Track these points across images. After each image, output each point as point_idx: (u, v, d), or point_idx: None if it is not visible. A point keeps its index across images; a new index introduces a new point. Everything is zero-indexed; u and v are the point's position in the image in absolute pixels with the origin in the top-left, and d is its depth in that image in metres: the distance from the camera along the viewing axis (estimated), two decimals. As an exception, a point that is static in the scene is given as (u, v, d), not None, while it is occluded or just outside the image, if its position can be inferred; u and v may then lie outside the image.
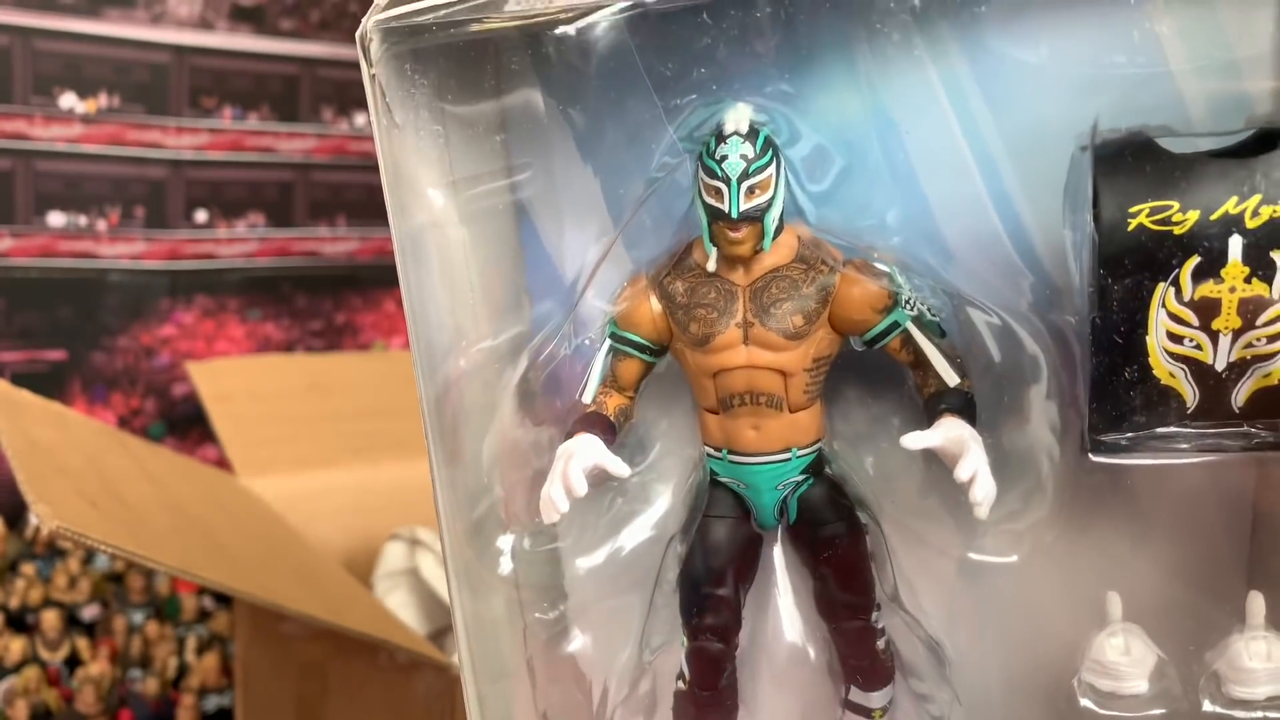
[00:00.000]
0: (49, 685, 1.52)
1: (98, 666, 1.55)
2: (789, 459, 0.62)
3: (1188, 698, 0.60)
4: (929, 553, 0.64)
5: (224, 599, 1.67)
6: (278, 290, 2.16)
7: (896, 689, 0.65)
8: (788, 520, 0.63)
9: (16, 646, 1.54)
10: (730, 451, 0.63)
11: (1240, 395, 0.55)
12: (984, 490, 0.57)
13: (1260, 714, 0.58)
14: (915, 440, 0.58)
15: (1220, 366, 0.55)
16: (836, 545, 0.62)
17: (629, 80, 0.61)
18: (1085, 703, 0.61)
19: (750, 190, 0.58)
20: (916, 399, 0.61)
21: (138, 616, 1.67)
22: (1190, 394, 0.55)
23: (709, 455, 0.64)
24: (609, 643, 0.68)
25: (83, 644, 1.60)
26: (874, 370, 0.63)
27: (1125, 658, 0.60)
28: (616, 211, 0.64)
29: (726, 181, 0.58)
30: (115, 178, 1.99)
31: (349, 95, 2.12)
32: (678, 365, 0.64)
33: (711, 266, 0.60)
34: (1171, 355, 0.55)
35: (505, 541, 0.66)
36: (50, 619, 1.58)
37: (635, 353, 0.63)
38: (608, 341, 0.63)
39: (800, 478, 0.62)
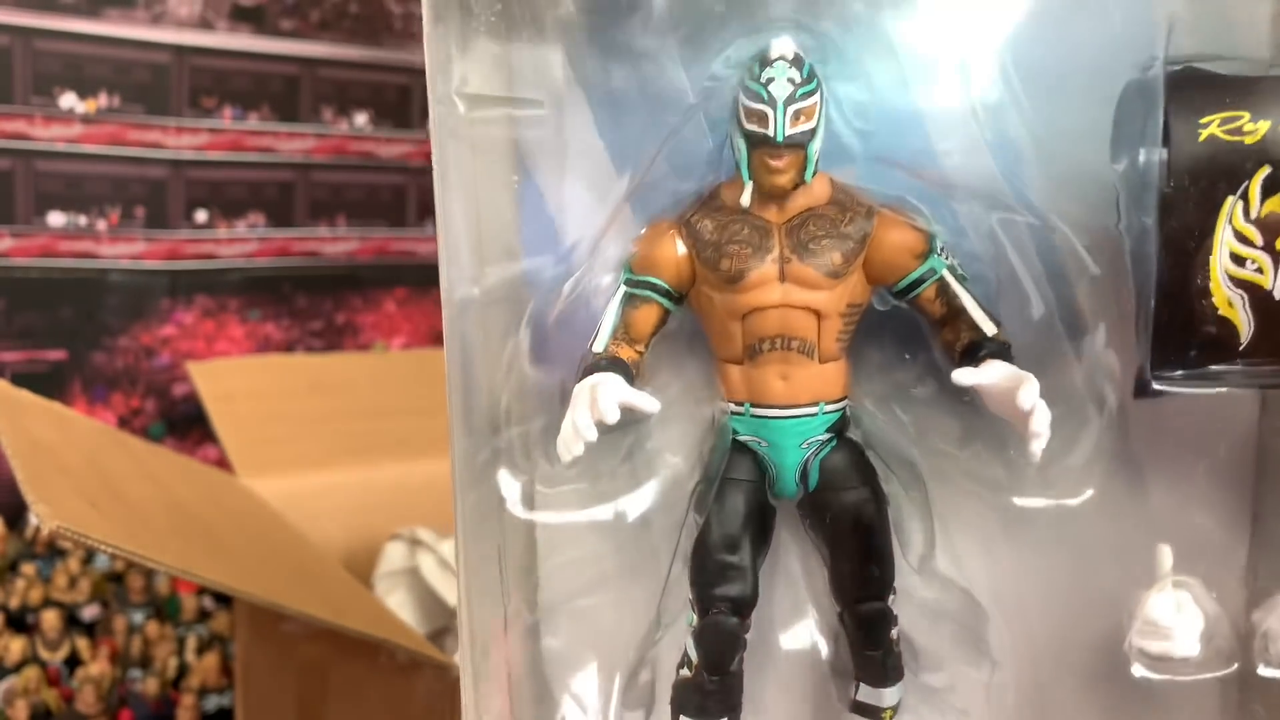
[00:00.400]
0: (49, 685, 1.52)
1: (98, 666, 1.55)
2: (815, 414, 0.60)
3: (1241, 658, 0.59)
4: (972, 505, 0.62)
5: (224, 599, 1.67)
6: (278, 290, 2.16)
7: (906, 691, 0.63)
8: (807, 488, 0.61)
9: (16, 646, 1.53)
10: (754, 405, 0.60)
11: None
12: (1044, 420, 0.56)
13: None
14: (967, 376, 0.57)
15: (1279, 294, 0.54)
16: (860, 514, 0.60)
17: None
18: (1138, 669, 0.60)
19: (796, 115, 0.57)
20: (947, 356, 0.60)
21: (138, 616, 1.67)
22: (1245, 325, 0.55)
23: (730, 412, 0.61)
24: (606, 628, 0.65)
25: (83, 644, 1.59)
26: (902, 330, 0.62)
27: (1178, 616, 0.58)
28: (624, 159, 0.62)
29: (772, 104, 0.56)
30: (115, 178, 1.99)
31: (349, 95, 2.12)
32: (689, 325, 0.62)
33: (745, 201, 0.58)
34: (1233, 280, 0.54)
35: (512, 487, 0.63)
36: (50, 619, 1.58)
37: (654, 297, 0.60)
38: (622, 288, 0.61)
39: (825, 436, 0.60)
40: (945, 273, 0.59)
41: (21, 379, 1.73)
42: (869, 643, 0.62)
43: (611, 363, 0.60)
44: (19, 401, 1.21)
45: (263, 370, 1.95)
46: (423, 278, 2.27)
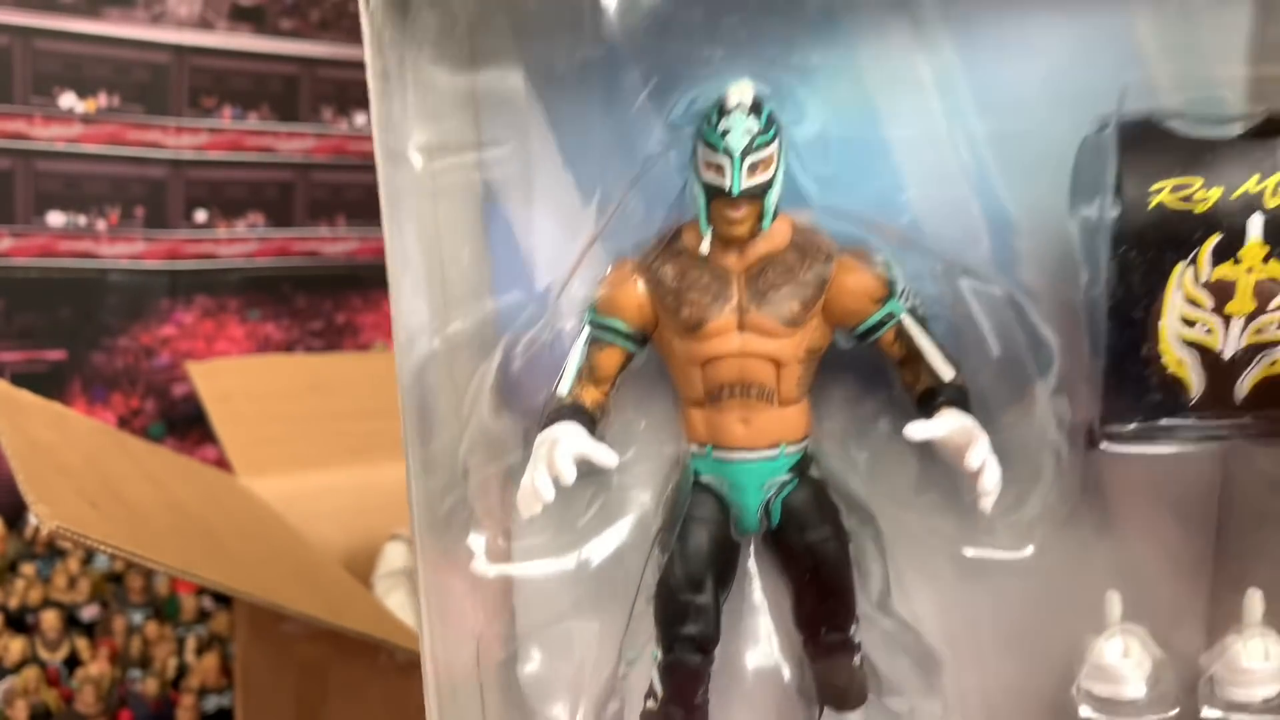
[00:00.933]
0: (49, 685, 1.52)
1: (97, 667, 1.55)
2: (777, 456, 0.60)
3: (1186, 701, 0.60)
4: (925, 551, 0.63)
5: (224, 599, 1.67)
6: (278, 290, 2.15)
7: (869, 711, 0.64)
8: (769, 525, 0.62)
9: (16, 647, 1.53)
10: (716, 447, 0.61)
11: (1245, 384, 0.56)
12: (993, 479, 0.57)
13: (1259, 716, 0.58)
14: (919, 430, 0.57)
15: (1228, 354, 0.55)
16: (821, 551, 0.61)
17: (619, 52, 0.59)
18: (1084, 711, 0.60)
19: (753, 167, 0.56)
20: (906, 397, 0.60)
21: (137, 617, 1.67)
22: (1195, 383, 0.56)
23: (692, 454, 0.61)
24: (577, 658, 0.66)
25: (82, 644, 1.59)
26: (862, 370, 0.62)
27: (1125, 660, 0.59)
28: (592, 197, 0.62)
29: (729, 156, 0.55)
30: (115, 178, 1.99)
31: (349, 95, 2.12)
32: (655, 362, 0.62)
33: (705, 249, 0.58)
34: (1183, 341, 0.55)
35: (477, 541, 0.63)
36: (50, 619, 1.58)
37: (617, 340, 0.60)
38: (587, 329, 0.61)
39: (786, 477, 0.61)
40: (904, 317, 0.59)
41: (21, 379, 1.73)
42: (832, 671, 0.63)
43: (574, 409, 0.60)
44: (18, 401, 1.20)
45: (262, 370, 1.95)
46: (423, 278, 2.27)
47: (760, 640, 0.65)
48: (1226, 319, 0.54)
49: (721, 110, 0.56)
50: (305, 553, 1.41)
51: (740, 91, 0.56)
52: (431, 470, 0.63)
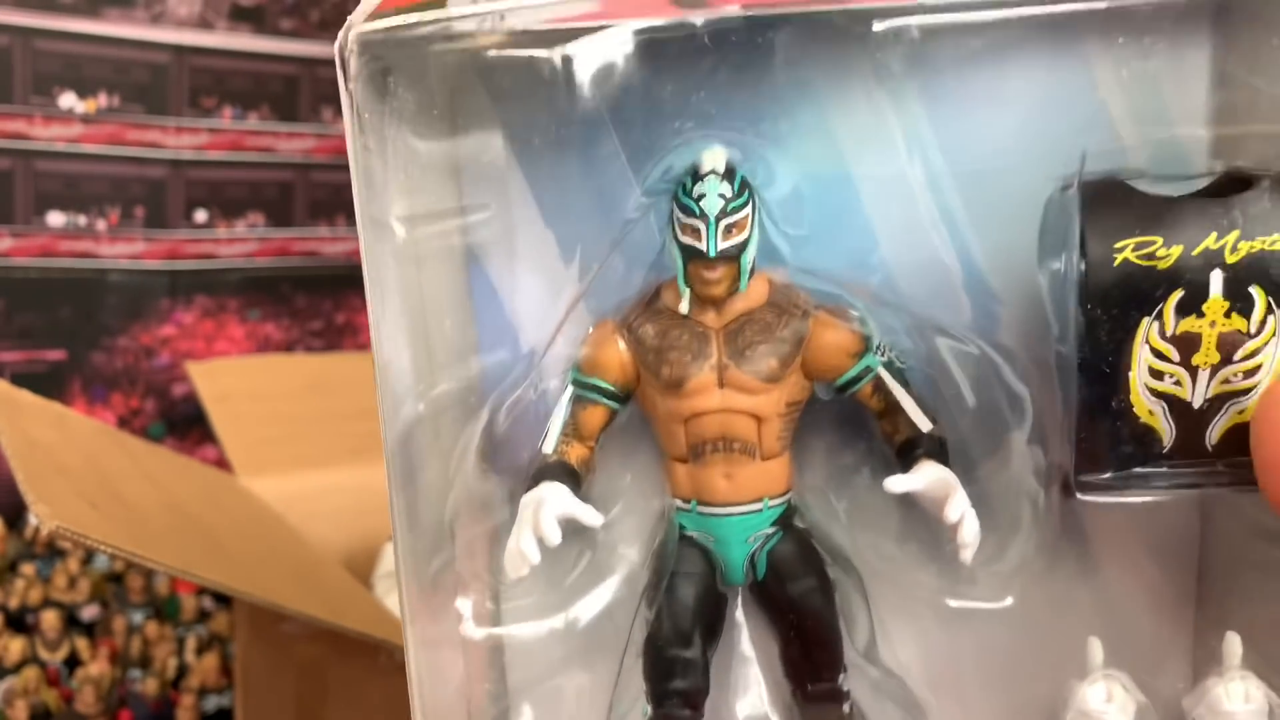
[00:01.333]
0: (49, 685, 1.52)
1: (97, 666, 1.55)
2: (761, 509, 0.61)
3: None
4: (908, 601, 0.64)
5: (224, 599, 1.67)
6: (278, 290, 2.16)
7: None
8: (755, 577, 0.62)
9: (16, 646, 1.53)
10: (700, 503, 0.62)
11: (1215, 432, 0.57)
12: (972, 532, 0.58)
13: None
14: (898, 484, 0.58)
15: (1198, 404, 0.56)
16: (807, 603, 0.61)
17: (595, 122, 0.60)
18: None
19: (728, 229, 0.57)
20: (886, 448, 0.61)
21: (137, 616, 1.67)
22: (1167, 432, 0.57)
23: (677, 508, 0.62)
24: (568, 714, 0.66)
25: (82, 644, 1.60)
26: (843, 420, 0.63)
27: (1108, 705, 0.60)
28: (574, 257, 0.63)
29: (704, 220, 0.57)
30: (115, 178, 1.99)
31: (349, 95, 2.12)
32: (640, 416, 0.63)
33: (684, 308, 0.59)
34: (1152, 392, 0.56)
35: (465, 604, 0.64)
36: (50, 619, 1.58)
37: (600, 399, 0.62)
38: (570, 389, 0.62)
39: (771, 530, 0.62)
40: (881, 370, 0.60)
41: (21, 379, 1.73)
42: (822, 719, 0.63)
43: (559, 468, 0.61)
44: (18, 401, 1.21)
45: (262, 370, 1.95)
46: (422, 278, 2.27)
47: (749, 690, 0.65)
48: (1194, 370, 0.56)
49: (695, 176, 0.58)
50: (305, 553, 1.41)
51: (713, 158, 0.58)
52: (418, 532, 0.64)
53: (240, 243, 2.11)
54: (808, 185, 0.61)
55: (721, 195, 0.57)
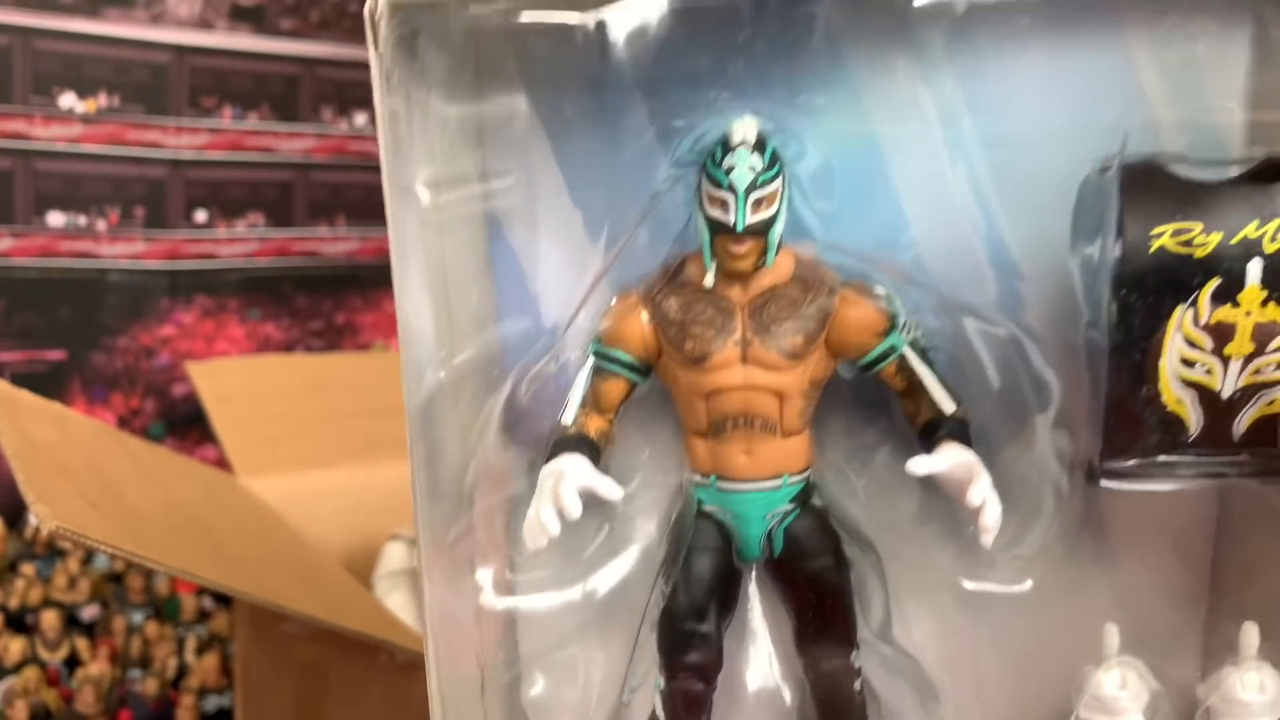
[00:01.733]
0: (49, 685, 1.52)
1: (97, 667, 1.55)
2: (779, 487, 0.61)
3: None
4: (925, 582, 0.63)
5: (224, 599, 1.67)
6: (278, 290, 2.16)
7: None
8: (771, 553, 0.62)
9: (16, 647, 1.53)
10: (719, 478, 0.61)
11: (1242, 423, 0.56)
12: (994, 515, 0.57)
13: None
14: (920, 465, 0.58)
15: (1226, 394, 0.56)
16: (823, 580, 0.61)
17: (626, 90, 0.60)
18: None
19: (757, 203, 0.57)
20: (908, 428, 0.61)
21: (137, 617, 1.67)
22: (1194, 421, 0.56)
23: (696, 483, 0.62)
24: (581, 684, 0.66)
25: (82, 644, 1.59)
26: (864, 399, 0.63)
27: (1122, 692, 0.60)
28: (599, 230, 0.63)
29: (733, 193, 0.56)
30: (115, 178, 1.99)
31: (349, 95, 2.12)
32: (660, 390, 0.62)
33: (709, 282, 0.59)
34: (1182, 381, 0.56)
35: (485, 574, 0.64)
36: (50, 619, 1.58)
37: (621, 371, 0.61)
38: (591, 360, 0.61)
39: (789, 507, 0.61)
40: (906, 350, 0.60)
41: (21, 379, 1.73)
42: (833, 695, 0.63)
43: (579, 440, 0.60)
44: (18, 401, 1.20)
45: (263, 370, 1.95)
46: (423, 278, 2.27)
47: (762, 665, 0.65)
48: (1225, 360, 0.55)
49: (726, 147, 0.57)
50: (305, 553, 1.41)
51: (744, 128, 0.57)
52: (438, 499, 0.64)
53: (240, 243, 2.11)
54: (840, 160, 0.60)
55: (752, 168, 0.56)
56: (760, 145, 0.57)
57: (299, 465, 1.62)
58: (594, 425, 0.61)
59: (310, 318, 2.19)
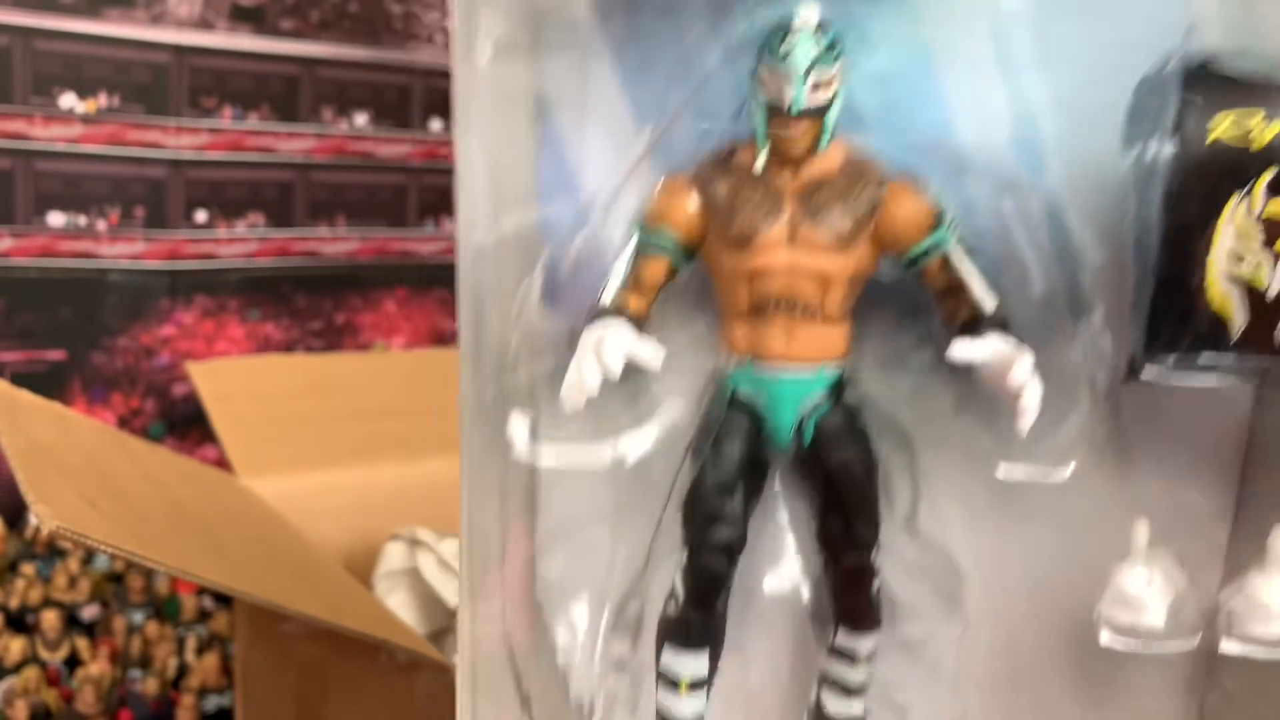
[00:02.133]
0: (49, 685, 1.52)
1: (98, 666, 1.55)
2: (816, 373, 0.61)
3: (1205, 634, 0.60)
4: (957, 472, 0.64)
5: (224, 599, 1.67)
6: (278, 290, 2.16)
7: (883, 641, 0.65)
8: (801, 444, 0.63)
9: (16, 646, 1.54)
10: (756, 360, 0.61)
11: None
12: (1034, 397, 0.58)
13: (1276, 651, 0.58)
14: (963, 349, 0.58)
15: (1273, 293, 0.55)
16: (850, 475, 0.62)
17: None
18: (1104, 637, 0.61)
19: (815, 86, 0.57)
20: (946, 332, 0.61)
21: (138, 616, 1.67)
22: (1239, 319, 0.56)
23: (732, 368, 0.62)
24: (601, 559, 0.67)
25: (83, 644, 1.60)
26: (903, 306, 0.63)
27: (1148, 589, 0.59)
28: (647, 118, 0.63)
29: (790, 74, 0.57)
30: (115, 178, 1.99)
31: (349, 95, 2.12)
32: (697, 282, 0.63)
33: (760, 167, 0.59)
34: (1230, 277, 0.55)
35: (520, 427, 0.65)
36: (50, 619, 1.58)
37: (664, 253, 0.61)
38: (635, 240, 0.62)
39: (822, 398, 0.62)
40: (950, 247, 0.60)
41: (21, 379, 1.73)
42: (850, 593, 0.64)
43: (617, 313, 0.61)
44: (19, 401, 1.21)
45: (263, 370, 1.95)
46: (423, 278, 2.27)
47: (781, 560, 0.66)
48: (1276, 256, 0.54)
49: (786, 30, 0.57)
50: (305, 553, 1.41)
51: (806, 12, 0.57)
52: (480, 360, 0.65)
53: (240, 243, 2.11)
54: (895, 57, 0.60)
55: (811, 50, 0.57)
56: (822, 29, 0.57)
57: (299, 465, 1.62)
58: (634, 304, 0.61)
59: (310, 318, 2.19)
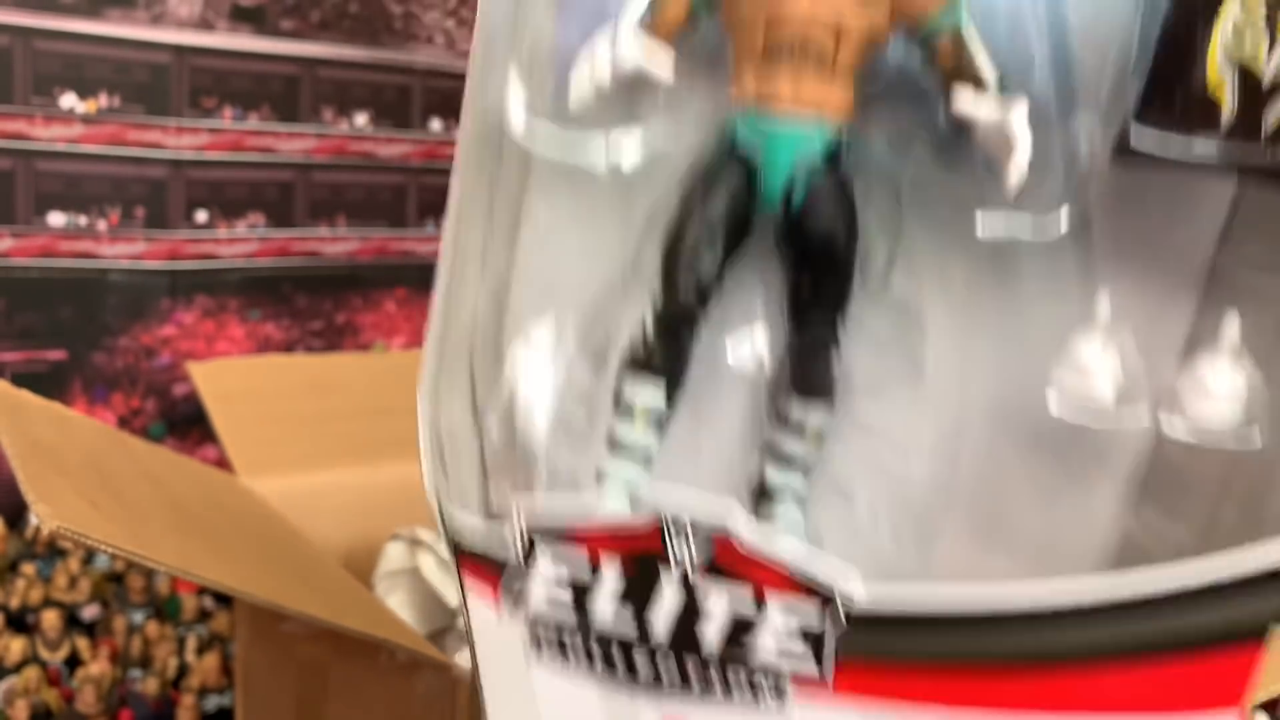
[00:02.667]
0: (49, 685, 1.52)
1: (98, 666, 1.55)
2: (816, 128, 0.62)
3: (1151, 415, 0.59)
4: (939, 230, 0.64)
5: (224, 599, 1.67)
6: (278, 290, 2.16)
7: (842, 423, 0.65)
8: (790, 207, 0.63)
9: (16, 646, 1.54)
10: (760, 102, 0.62)
11: (1272, 117, 0.54)
12: (1024, 149, 0.58)
13: (1221, 437, 0.57)
14: (966, 102, 0.59)
15: (1267, 79, 0.54)
16: (831, 241, 0.62)
17: None
18: (1053, 401, 0.60)
19: None
20: (950, 122, 0.61)
21: (138, 616, 1.67)
22: (1229, 106, 0.54)
23: (736, 115, 0.63)
24: (572, 279, 0.67)
25: (83, 644, 1.60)
26: (907, 94, 0.63)
27: (1100, 357, 0.58)
28: None
29: None
30: (115, 178, 1.99)
31: (349, 95, 2.12)
32: (708, 46, 0.63)
33: None
34: (1229, 58, 0.54)
35: (517, 103, 0.64)
36: (50, 619, 1.58)
37: None
38: None
39: (818, 159, 0.62)
40: (963, 26, 0.60)
41: (21, 379, 1.74)
42: (807, 359, 0.64)
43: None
44: (19, 401, 1.21)
45: (263, 370, 1.95)
46: (423, 278, 2.27)
47: (748, 334, 0.66)
48: (1274, 38, 0.53)
49: None
50: (305, 553, 1.41)
51: None
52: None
53: (241, 243, 2.11)
54: None
55: None
56: None
57: (299, 465, 1.62)
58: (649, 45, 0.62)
59: (310, 318, 2.19)
